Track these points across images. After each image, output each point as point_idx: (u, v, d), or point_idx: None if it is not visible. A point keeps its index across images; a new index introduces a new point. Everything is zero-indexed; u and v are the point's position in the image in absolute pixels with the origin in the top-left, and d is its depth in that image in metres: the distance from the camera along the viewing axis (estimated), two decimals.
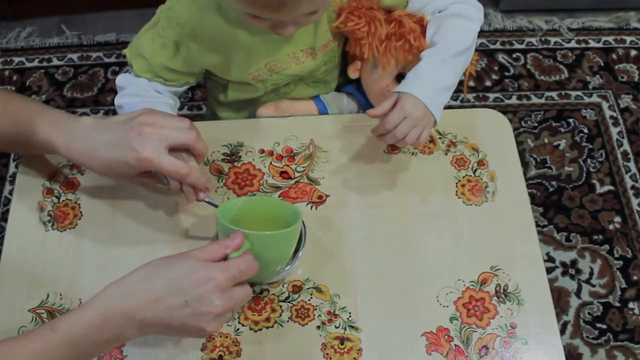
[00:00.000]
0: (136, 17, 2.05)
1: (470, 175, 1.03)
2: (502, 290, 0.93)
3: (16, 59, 2.02)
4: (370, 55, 1.06)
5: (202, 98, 1.94)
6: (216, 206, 0.93)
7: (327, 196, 1.00)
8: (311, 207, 0.99)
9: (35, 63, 2.01)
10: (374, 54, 1.06)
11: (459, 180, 1.02)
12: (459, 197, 1.01)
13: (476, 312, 0.92)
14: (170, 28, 0.99)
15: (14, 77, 1.98)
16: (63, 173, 1.02)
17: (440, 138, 1.06)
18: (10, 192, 1.78)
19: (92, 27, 2.09)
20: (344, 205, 1.00)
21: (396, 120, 0.94)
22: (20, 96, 0.95)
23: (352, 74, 1.12)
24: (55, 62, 2.01)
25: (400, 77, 1.07)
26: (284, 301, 0.92)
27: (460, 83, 1.04)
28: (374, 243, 0.97)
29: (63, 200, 1.00)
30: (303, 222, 0.91)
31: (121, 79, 1.05)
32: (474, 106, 1.92)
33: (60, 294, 0.92)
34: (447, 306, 0.92)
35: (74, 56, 2.03)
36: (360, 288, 0.93)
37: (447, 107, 1.02)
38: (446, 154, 1.05)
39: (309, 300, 0.92)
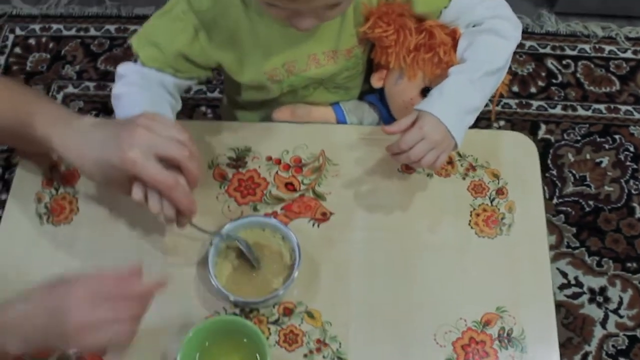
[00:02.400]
0: None
1: (487, 205, 0.96)
2: (505, 335, 0.87)
3: (54, 26, 2.00)
4: (396, 65, 1.00)
5: None
6: (204, 231, 0.87)
7: (331, 214, 0.95)
8: (313, 224, 0.94)
9: (73, 32, 1.99)
10: (401, 65, 1.00)
11: (474, 209, 0.96)
12: (472, 228, 0.94)
13: (475, 355, 0.86)
14: (190, 12, 0.93)
15: (50, 45, 1.96)
16: (64, 163, 0.99)
17: (459, 160, 0.99)
18: None
19: None
20: (348, 225, 0.94)
21: (413, 140, 0.88)
22: (20, 86, 0.91)
23: (376, 82, 1.06)
24: (93, 32, 1.99)
25: (426, 92, 1.00)
26: (273, 323, 0.88)
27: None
28: (375, 269, 0.91)
29: (61, 193, 0.97)
30: (298, 244, 0.87)
31: (123, 68, 0.97)
32: (515, 113, 1.82)
33: None
34: (444, 346, 0.86)
35: (112, 27, 2.00)
36: (354, 317, 0.88)
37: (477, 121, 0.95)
38: (464, 178, 0.98)
39: (299, 325, 0.87)
